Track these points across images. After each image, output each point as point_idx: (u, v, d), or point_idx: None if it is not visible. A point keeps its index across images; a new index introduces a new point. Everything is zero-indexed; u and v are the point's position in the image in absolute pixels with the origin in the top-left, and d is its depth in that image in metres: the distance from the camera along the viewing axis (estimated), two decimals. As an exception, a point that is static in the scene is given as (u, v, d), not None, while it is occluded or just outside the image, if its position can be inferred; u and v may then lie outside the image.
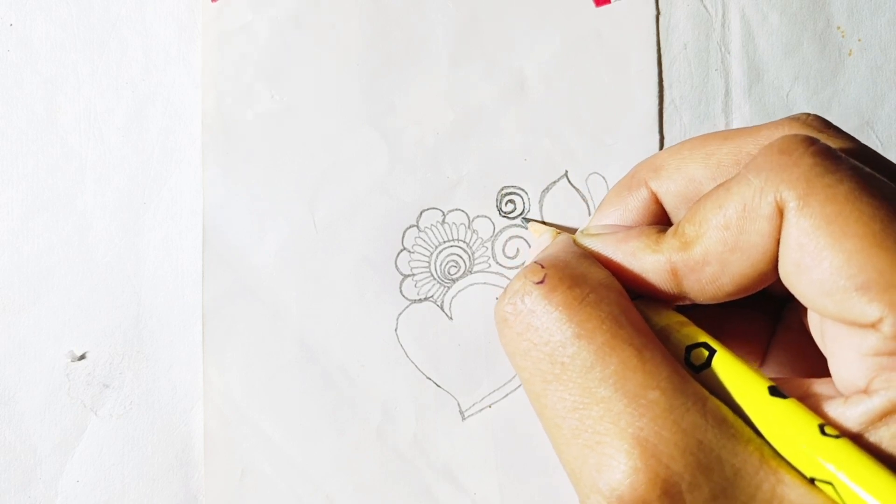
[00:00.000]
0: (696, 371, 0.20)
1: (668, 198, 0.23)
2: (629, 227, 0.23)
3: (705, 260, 0.20)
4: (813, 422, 0.18)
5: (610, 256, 0.22)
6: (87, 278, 0.32)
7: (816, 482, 0.17)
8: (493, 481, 0.31)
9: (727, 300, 0.21)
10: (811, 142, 0.19)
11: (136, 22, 0.33)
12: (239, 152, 0.32)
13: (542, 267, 0.20)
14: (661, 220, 0.23)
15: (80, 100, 0.33)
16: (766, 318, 0.24)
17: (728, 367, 0.20)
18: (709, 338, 0.21)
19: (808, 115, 0.21)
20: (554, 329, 0.19)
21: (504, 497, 0.31)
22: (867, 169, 0.19)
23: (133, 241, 0.32)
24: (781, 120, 0.21)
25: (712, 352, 0.20)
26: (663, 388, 0.18)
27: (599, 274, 0.20)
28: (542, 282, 0.20)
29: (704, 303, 0.21)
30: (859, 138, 0.33)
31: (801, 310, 0.22)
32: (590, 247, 0.22)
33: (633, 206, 0.24)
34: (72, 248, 0.32)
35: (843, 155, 0.19)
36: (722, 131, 0.22)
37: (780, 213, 0.18)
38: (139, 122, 0.33)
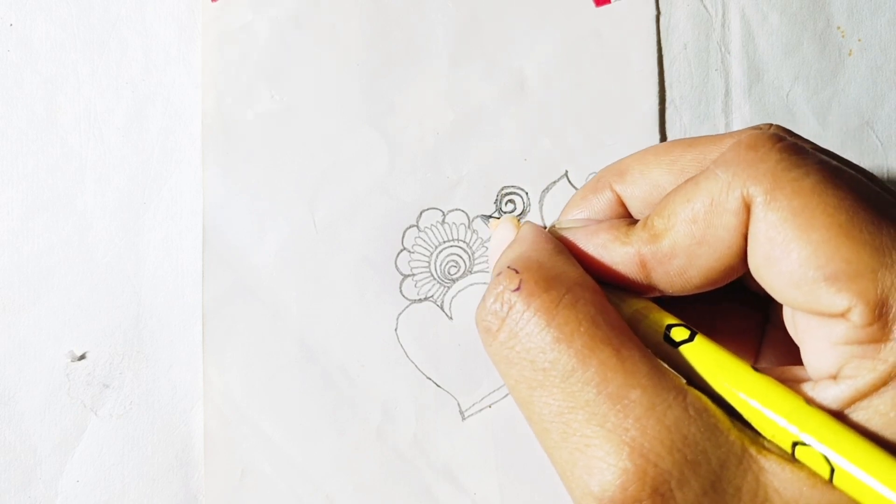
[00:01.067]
0: (675, 346, 0.20)
1: (633, 202, 0.23)
2: (600, 221, 0.23)
3: (673, 252, 0.20)
4: (797, 393, 0.19)
5: (581, 248, 0.22)
6: (87, 278, 0.32)
7: (799, 446, 0.18)
8: (493, 481, 0.31)
9: (696, 292, 0.21)
10: (778, 138, 0.19)
11: (136, 22, 0.33)
12: (239, 152, 0.32)
13: (517, 272, 0.20)
14: None
15: (80, 100, 0.33)
16: (758, 317, 0.25)
17: (709, 345, 0.20)
18: (680, 321, 0.21)
19: (771, 125, 0.21)
20: (534, 335, 0.20)
21: (504, 497, 0.31)
22: (834, 162, 0.19)
23: (133, 241, 0.32)
24: (744, 129, 0.22)
25: (693, 330, 0.20)
26: (644, 385, 0.18)
27: (573, 272, 0.21)
28: (518, 288, 0.20)
29: (673, 294, 0.21)
30: (859, 138, 0.33)
31: (782, 308, 0.22)
32: (563, 237, 0.23)
33: (599, 209, 0.24)
34: (72, 248, 0.32)
35: (810, 150, 0.19)
36: (686, 138, 0.23)
37: (747, 208, 0.19)
38: (139, 122, 0.33)
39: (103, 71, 0.33)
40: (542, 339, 0.19)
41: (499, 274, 0.21)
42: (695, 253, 0.20)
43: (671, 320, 0.21)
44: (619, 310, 0.21)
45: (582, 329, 0.19)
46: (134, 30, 0.33)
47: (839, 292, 0.17)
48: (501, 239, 0.25)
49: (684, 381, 0.19)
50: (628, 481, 0.18)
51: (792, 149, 0.19)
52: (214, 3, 0.33)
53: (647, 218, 0.21)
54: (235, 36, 0.33)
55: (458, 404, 0.32)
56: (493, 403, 0.32)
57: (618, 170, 0.24)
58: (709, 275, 0.20)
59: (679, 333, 0.20)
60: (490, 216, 0.32)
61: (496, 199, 0.32)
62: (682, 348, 0.20)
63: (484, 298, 0.21)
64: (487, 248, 0.32)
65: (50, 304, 0.32)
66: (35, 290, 0.32)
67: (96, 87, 0.33)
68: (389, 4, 0.33)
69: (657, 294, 0.22)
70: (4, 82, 0.33)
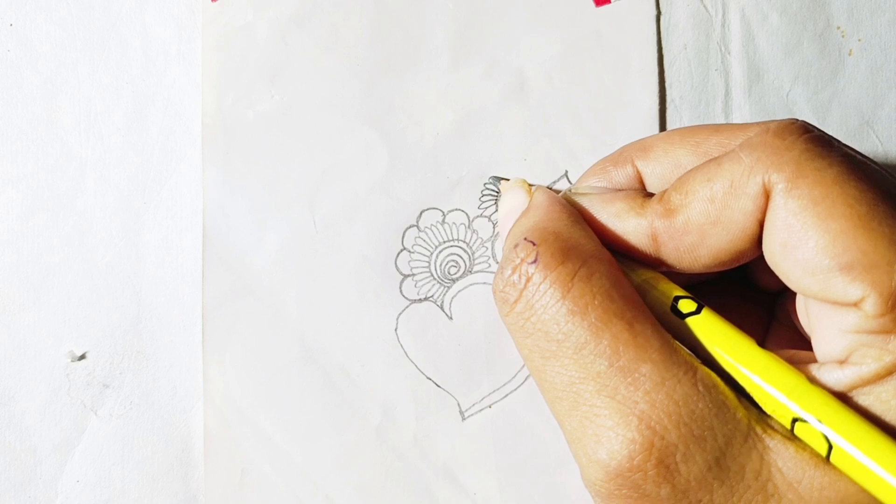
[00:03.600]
0: (681, 318, 0.20)
1: (652, 179, 0.23)
2: (617, 190, 0.23)
3: (686, 229, 0.20)
4: (800, 371, 0.19)
5: (595, 215, 0.22)
6: (87, 278, 0.32)
7: (798, 423, 0.18)
8: (493, 481, 0.31)
9: (703, 272, 0.21)
10: (805, 129, 0.19)
11: (136, 22, 0.33)
12: (239, 152, 0.32)
13: (534, 244, 0.21)
14: None
15: (80, 100, 0.33)
16: (763, 315, 0.25)
17: (715, 318, 0.20)
18: (687, 294, 0.21)
19: (797, 120, 0.22)
20: (549, 307, 0.20)
21: (504, 497, 0.31)
22: (859, 157, 0.19)
23: (133, 241, 0.32)
24: (771, 120, 0.22)
25: (700, 303, 0.21)
26: (655, 360, 0.19)
27: (590, 244, 0.21)
28: (535, 260, 0.20)
29: (680, 271, 0.22)
30: (859, 138, 0.33)
31: (789, 303, 0.22)
32: (577, 203, 0.23)
33: (617, 181, 0.24)
34: (72, 248, 0.32)
35: (836, 143, 0.19)
36: (712, 124, 0.23)
37: (766, 194, 0.19)
38: (139, 122, 0.33)
39: (103, 71, 0.33)
40: (556, 311, 0.20)
41: (516, 245, 0.21)
42: (707, 232, 0.20)
43: (679, 292, 0.21)
44: (629, 278, 0.21)
45: (596, 302, 0.19)
46: (134, 30, 0.33)
47: (853, 282, 0.17)
48: (512, 204, 0.25)
49: (692, 340, 0.20)
50: (635, 451, 0.18)
51: (818, 140, 0.19)
52: (214, 3, 0.33)
53: (664, 192, 0.21)
54: (235, 36, 0.33)
55: (458, 404, 0.32)
56: (493, 403, 0.32)
57: (642, 146, 0.24)
58: (718, 256, 0.20)
59: (686, 305, 0.21)
60: (501, 178, 0.32)
61: (496, 199, 0.32)
62: (689, 320, 0.20)
63: (501, 269, 0.21)
64: (488, 248, 0.32)
65: (50, 304, 0.32)
66: (35, 290, 0.32)
67: (96, 87, 0.33)
68: (389, 4, 0.33)
69: (664, 269, 0.22)
70: (4, 82, 0.33)
